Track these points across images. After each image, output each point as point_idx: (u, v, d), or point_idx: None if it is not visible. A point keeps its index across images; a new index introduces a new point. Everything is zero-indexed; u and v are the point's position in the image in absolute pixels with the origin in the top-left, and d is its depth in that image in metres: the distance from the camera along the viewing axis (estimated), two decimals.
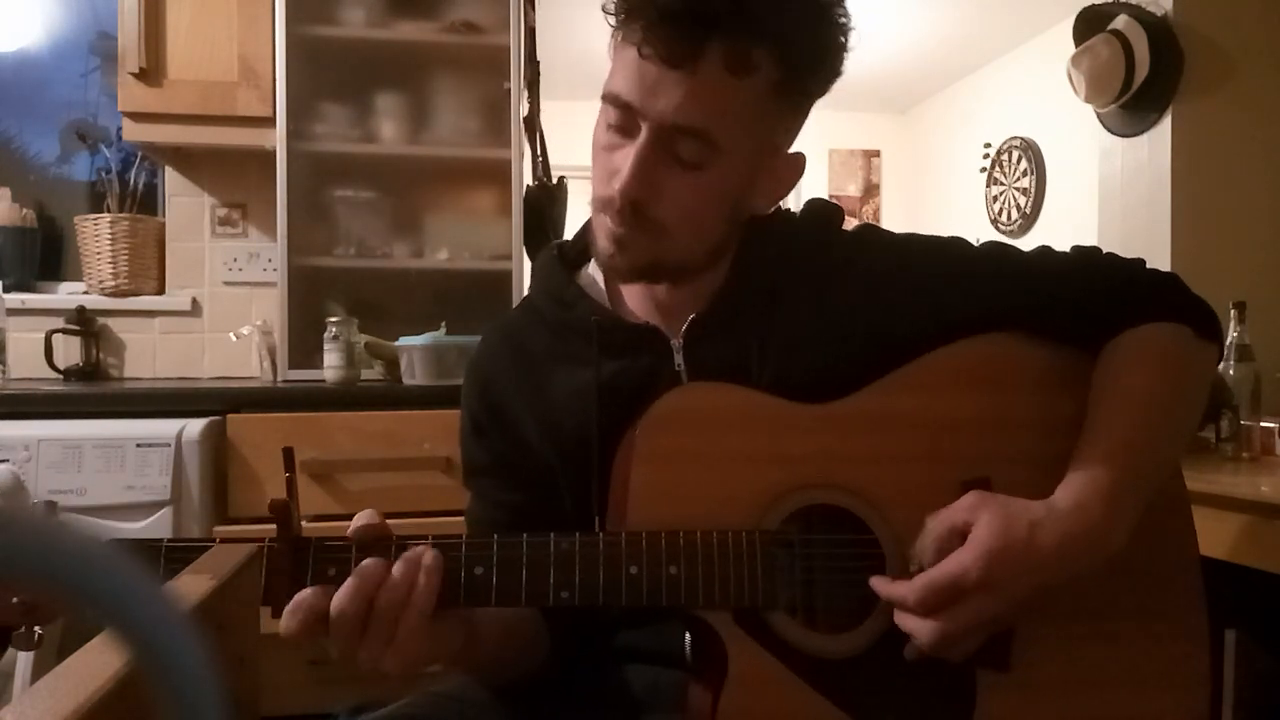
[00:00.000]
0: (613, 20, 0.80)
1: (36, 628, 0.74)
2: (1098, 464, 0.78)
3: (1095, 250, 0.94)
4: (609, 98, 0.81)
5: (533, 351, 0.93)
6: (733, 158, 0.81)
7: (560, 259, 0.97)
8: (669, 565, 0.76)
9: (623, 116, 0.81)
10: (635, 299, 0.93)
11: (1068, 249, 0.95)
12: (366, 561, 0.72)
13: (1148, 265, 0.93)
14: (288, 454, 0.79)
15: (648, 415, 0.82)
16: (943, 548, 0.75)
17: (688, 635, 0.83)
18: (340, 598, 0.71)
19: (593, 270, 0.95)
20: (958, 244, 0.95)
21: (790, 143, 0.88)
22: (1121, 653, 0.83)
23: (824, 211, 0.96)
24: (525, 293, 2.31)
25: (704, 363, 0.88)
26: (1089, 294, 0.88)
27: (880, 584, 0.78)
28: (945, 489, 0.81)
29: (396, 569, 0.72)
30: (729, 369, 0.86)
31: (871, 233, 0.96)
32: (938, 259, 0.92)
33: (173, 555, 0.73)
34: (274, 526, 0.74)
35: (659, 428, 0.81)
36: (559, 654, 0.91)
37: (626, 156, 0.80)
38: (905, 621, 0.75)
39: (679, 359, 0.89)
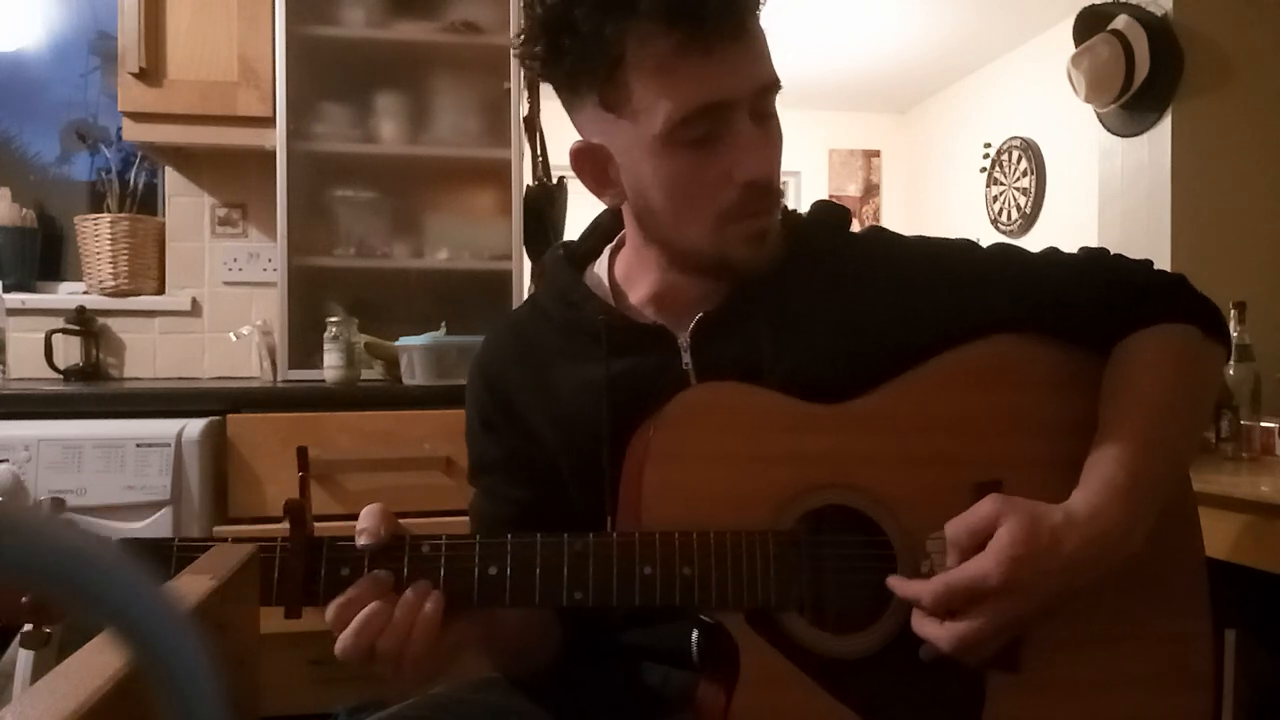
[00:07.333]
0: (639, 53, 0.78)
1: (46, 627, 0.74)
2: (1113, 466, 0.78)
3: (1103, 251, 0.95)
4: (694, 113, 0.78)
5: (540, 349, 0.93)
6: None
7: (568, 259, 0.97)
8: (683, 566, 0.76)
9: (707, 124, 0.80)
10: (642, 298, 0.93)
11: (1075, 250, 0.95)
12: (368, 609, 0.73)
13: (1154, 267, 0.94)
14: (302, 453, 0.80)
15: (661, 414, 0.81)
16: (963, 554, 0.74)
17: (694, 634, 0.83)
18: (344, 640, 0.73)
19: (599, 270, 0.96)
20: (967, 246, 0.96)
21: None
22: (1130, 654, 0.83)
23: (833, 213, 0.97)
24: (526, 293, 2.30)
25: (712, 362, 0.88)
26: (1099, 295, 0.89)
27: (897, 582, 0.78)
28: (958, 491, 0.81)
29: (398, 613, 0.73)
30: (737, 369, 0.86)
31: (882, 234, 0.97)
32: (949, 261, 0.93)
33: (184, 556, 0.73)
34: (277, 526, 0.74)
35: (672, 427, 0.80)
36: (569, 648, 0.91)
37: (747, 146, 0.80)
38: (923, 627, 0.75)
39: (686, 358, 0.89)
